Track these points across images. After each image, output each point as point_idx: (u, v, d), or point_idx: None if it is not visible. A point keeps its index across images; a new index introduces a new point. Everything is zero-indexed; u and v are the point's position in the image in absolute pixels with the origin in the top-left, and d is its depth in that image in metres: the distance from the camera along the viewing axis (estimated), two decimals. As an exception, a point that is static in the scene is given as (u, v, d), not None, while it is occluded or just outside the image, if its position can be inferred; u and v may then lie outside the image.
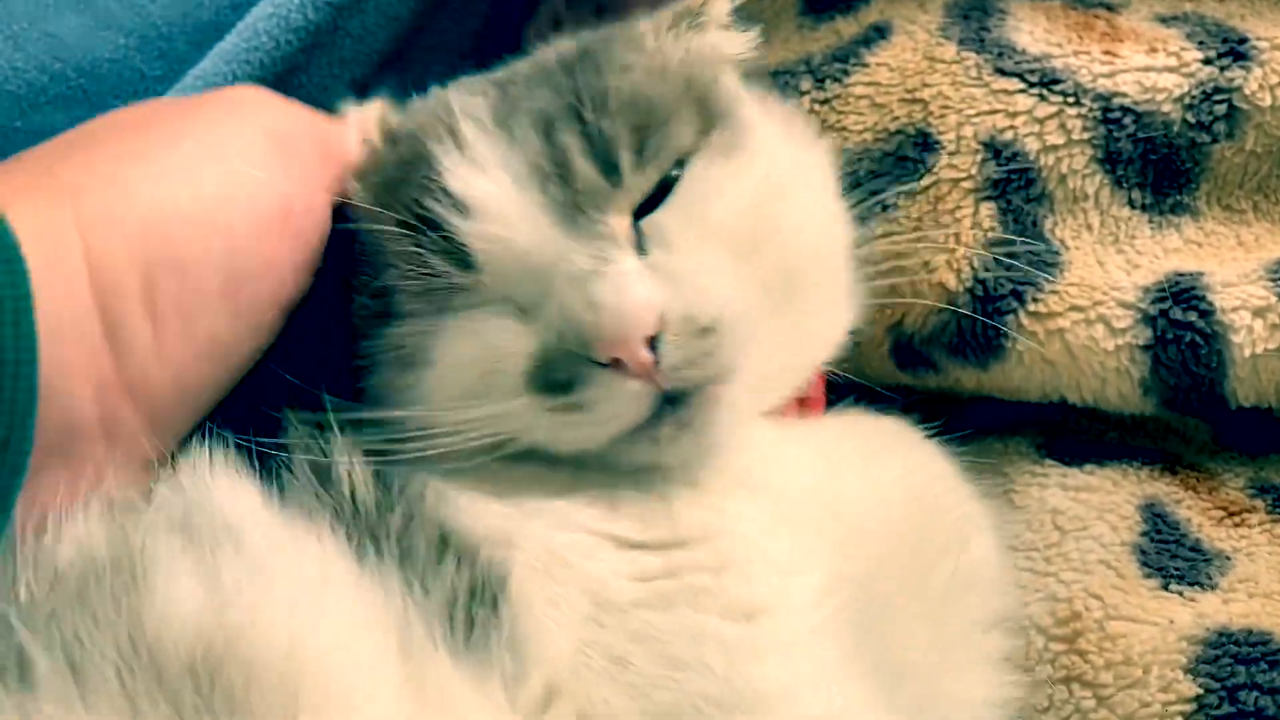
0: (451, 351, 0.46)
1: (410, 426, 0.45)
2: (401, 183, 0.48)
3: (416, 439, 0.45)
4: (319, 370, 0.48)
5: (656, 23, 0.52)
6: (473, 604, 0.41)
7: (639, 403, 0.43)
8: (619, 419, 0.44)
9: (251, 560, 0.39)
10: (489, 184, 0.46)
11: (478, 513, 0.44)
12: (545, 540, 0.43)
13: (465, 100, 0.50)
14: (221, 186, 0.45)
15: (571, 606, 0.42)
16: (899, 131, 0.62)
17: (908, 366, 0.62)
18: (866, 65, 0.64)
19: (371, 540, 0.42)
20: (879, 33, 0.66)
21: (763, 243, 0.48)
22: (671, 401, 0.44)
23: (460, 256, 0.46)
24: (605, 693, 0.40)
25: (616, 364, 0.43)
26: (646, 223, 0.46)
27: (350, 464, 0.44)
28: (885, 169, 0.61)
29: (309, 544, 0.41)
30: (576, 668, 0.41)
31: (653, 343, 0.43)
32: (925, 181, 0.60)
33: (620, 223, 0.46)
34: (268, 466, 0.44)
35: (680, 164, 0.47)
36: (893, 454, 0.52)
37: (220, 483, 0.42)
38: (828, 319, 0.54)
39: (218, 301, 0.45)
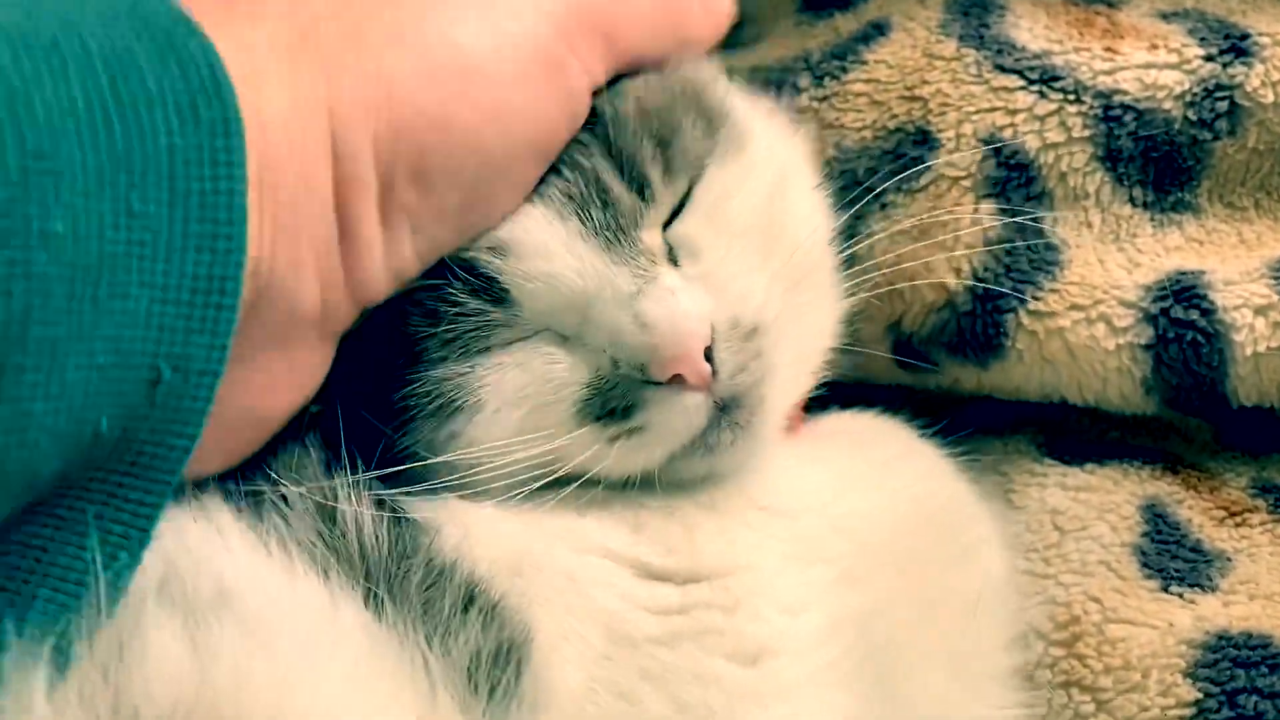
0: (499, 391, 0.44)
1: (459, 473, 0.44)
2: None
3: (465, 485, 0.44)
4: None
5: None
6: (495, 669, 0.39)
7: (697, 415, 0.44)
8: (678, 435, 0.44)
9: (244, 617, 0.37)
10: (526, 219, 0.44)
11: (497, 537, 0.43)
12: (564, 566, 0.43)
13: None
14: (496, 98, 0.41)
15: (585, 642, 0.41)
16: (898, 129, 0.61)
17: (907, 366, 0.61)
18: (865, 62, 0.64)
19: (388, 590, 0.39)
20: (878, 29, 0.65)
21: (775, 238, 0.48)
22: (724, 409, 0.44)
23: (497, 294, 0.44)
24: None
25: (674, 380, 0.43)
26: (670, 234, 0.46)
27: (358, 511, 0.41)
28: (884, 167, 0.60)
29: (311, 594, 0.39)
30: (583, 705, 0.40)
31: (708, 355, 0.43)
32: (924, 179, 0.60)
33: (653, 238, 0.46)
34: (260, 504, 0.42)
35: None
36: (905, 470, 0.51)
37: (206, 532, 0.39)
38: (826, 310, 0.54)
39: (452, 218, 0.42)
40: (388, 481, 0.44)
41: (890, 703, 0.43)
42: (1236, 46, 0.58)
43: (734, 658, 0.41)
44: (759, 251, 0.47)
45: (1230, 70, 0.58)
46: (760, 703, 0.40)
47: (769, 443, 0.47)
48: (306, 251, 0.39)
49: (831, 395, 0.56)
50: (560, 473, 0.44)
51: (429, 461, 0.44)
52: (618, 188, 0.45)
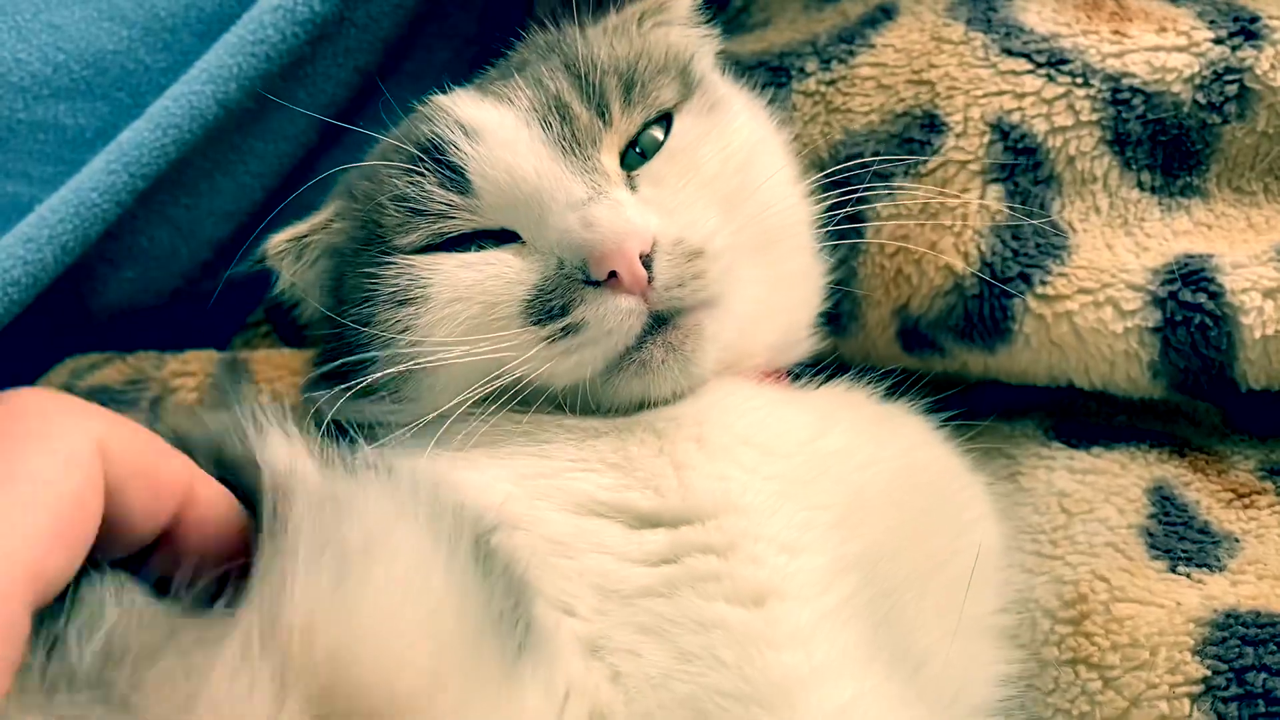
0: (452, 286, 0.48)
1: (408, 369, 0.47)
2: (407, 131, 0.52)
3: (414, 383, 0.47)
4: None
5: (627, 16, 0.57)
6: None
7: (631, 320, 0.46)
8: (611, 336, 0.46)
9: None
10: (495, 113, 0.50)
11: (486, 496, 0.44)
12: (551, 529, 0.43)
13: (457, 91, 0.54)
14: None
15: (580, 601, 0.42)
16: (906, 113, 0.61)
17: (914, 350, 0.61)
18: (873, 46, 0.64)
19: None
20: (885, 13, 0.65)
21: (742, 198, 0.51)
22: (659, 322, 0.47)
23: (460, 182, 0.49)
24: (619, 689, 0.40)
25: (611, 280, 0.46)
26: (641, 171, 0.50)
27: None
28: (891, 151, 0.60)
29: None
30: (589, 663, 0.41)
31: (646, 263, 0.46)
32: (932, 163, 0.60)
33: (611, 162, 0.50)
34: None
35: (667, 124, 0.52)
36: (891, 428, 0.52)
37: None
38: (802, 291, 0.56)
39: None
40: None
41: (896, 649, 0.42)
42: (1246, 29, 0.58)
43: (735, 600, 0.41)
44: (723, 200, 0.50)
45: (1240, 53, 0.58)
46: (774, 646, 0.40)
47: (703, 379, 0.49)
48: None
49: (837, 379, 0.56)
50: (504, 378, 0.46)
51: (395, 352, 0.47)
52: (578, 106, 0.50)
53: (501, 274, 0.48)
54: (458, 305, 0.48)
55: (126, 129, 0.69)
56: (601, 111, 0.50)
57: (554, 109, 0.49)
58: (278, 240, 0.54)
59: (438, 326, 0.48)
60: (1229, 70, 0.58)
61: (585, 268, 0.46)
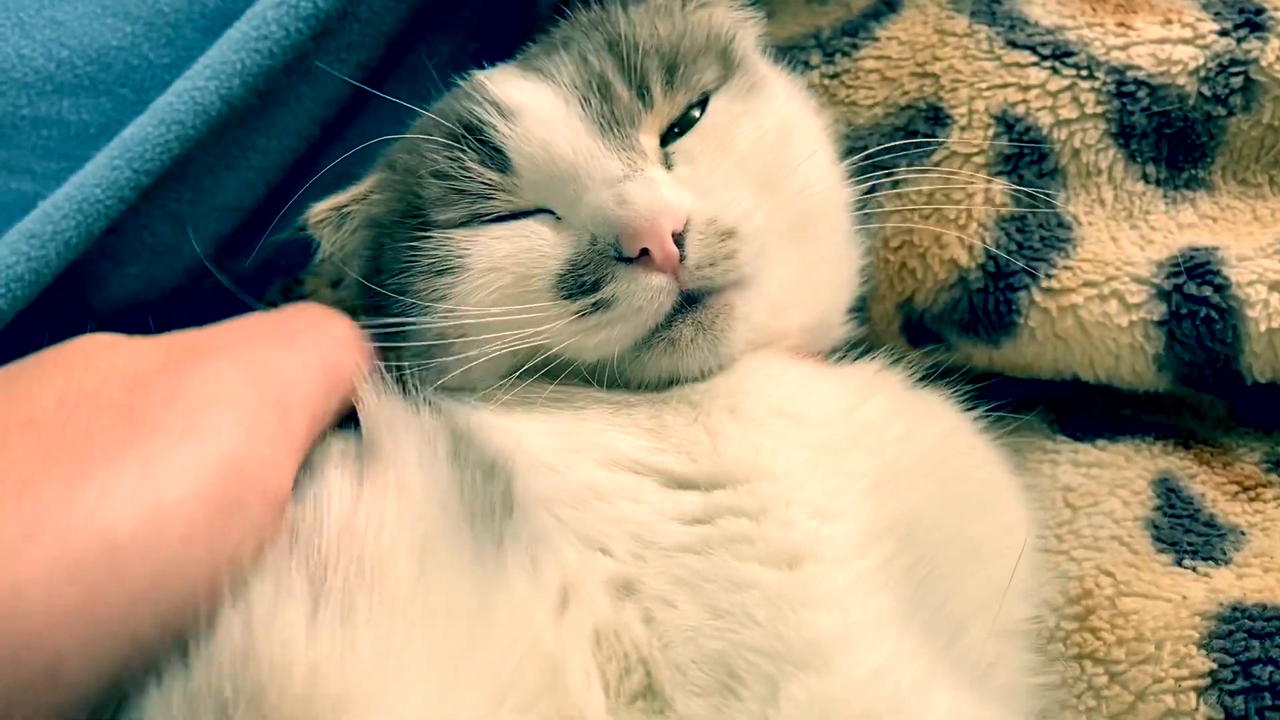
0: (488, 257, 0.49)
1: (443, 336, 0.48)
2: (448, 107, 0.53)
3: (448, 349, 0.48)
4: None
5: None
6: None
7: (661, 297, 0.46)
8: (641, 313, 0.46)
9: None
10: (534, 91, 0.51)
11: (524, 443, 0.45)
12: (588, 476, 0.44)
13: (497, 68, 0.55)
14: (152, 571, 0.36)
15: (616, 543, 0.42)
16: (910, 106, 0.61)
17: (919, 343, 0.61)
18: (876, 39, 0.64)
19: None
20: (889, 6, 0.65)
21: (778, 178, 0.51)
22: (690, 301, 0.47)
23: (499, 160, 0.50)
24: (653, 633, 0.41)
25: (643, 258, 0.46)
26: (675, 146, 0.51)
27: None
28: (896, 144, 0.60)
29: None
30: (621, 602, 0.41)
31: (678, 242, 0.46)
32: (936, 156, 0.59)
33: (650, 141, 0.51)
34: None
35: (705, 103, 0.52)
36: (927, 412, 0.52)
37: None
38: (837, 273, 0.56)
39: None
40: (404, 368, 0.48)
41: (931, 619, 0.42)
42: (1251, 21, 0.58)
43: (769, 562, 0.41)
44: (757, 180, 0.50)
45: (1245, 45, 0.57)
46: (808, 605, 0.40)
47: (733, 358, 0.49)
48: None
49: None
50: (531, 346, 0.47)
51: (428, 321, 0.49)
52: (619, 85, 0.50)
53: (536, 246, 0.49)
54: (492, 275, 0.49)
55: (130, 125, 0.69)
56: (642, 92, 0.50)
57: (595, 87, 0.50)
58: (320, 209, 0.55)
59: (472, 295, 0.49)
60: (1234, 62, 0.57)
61: (618, 244, 0.47)
